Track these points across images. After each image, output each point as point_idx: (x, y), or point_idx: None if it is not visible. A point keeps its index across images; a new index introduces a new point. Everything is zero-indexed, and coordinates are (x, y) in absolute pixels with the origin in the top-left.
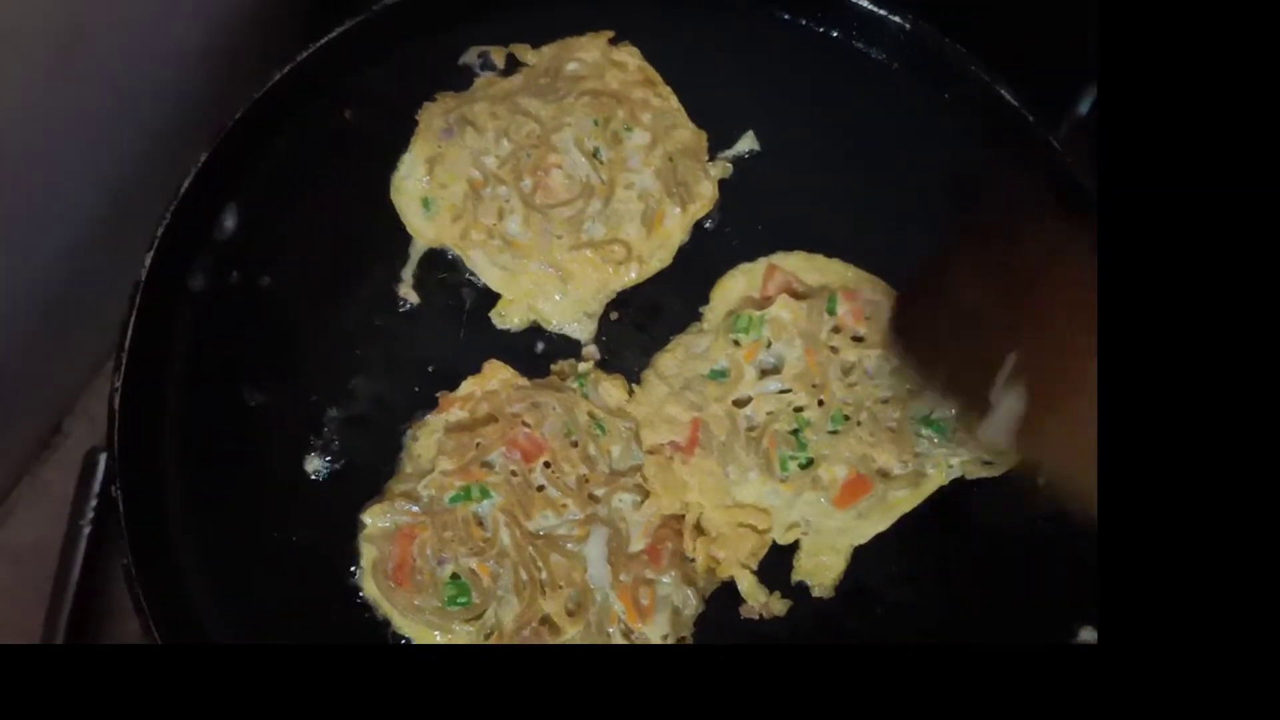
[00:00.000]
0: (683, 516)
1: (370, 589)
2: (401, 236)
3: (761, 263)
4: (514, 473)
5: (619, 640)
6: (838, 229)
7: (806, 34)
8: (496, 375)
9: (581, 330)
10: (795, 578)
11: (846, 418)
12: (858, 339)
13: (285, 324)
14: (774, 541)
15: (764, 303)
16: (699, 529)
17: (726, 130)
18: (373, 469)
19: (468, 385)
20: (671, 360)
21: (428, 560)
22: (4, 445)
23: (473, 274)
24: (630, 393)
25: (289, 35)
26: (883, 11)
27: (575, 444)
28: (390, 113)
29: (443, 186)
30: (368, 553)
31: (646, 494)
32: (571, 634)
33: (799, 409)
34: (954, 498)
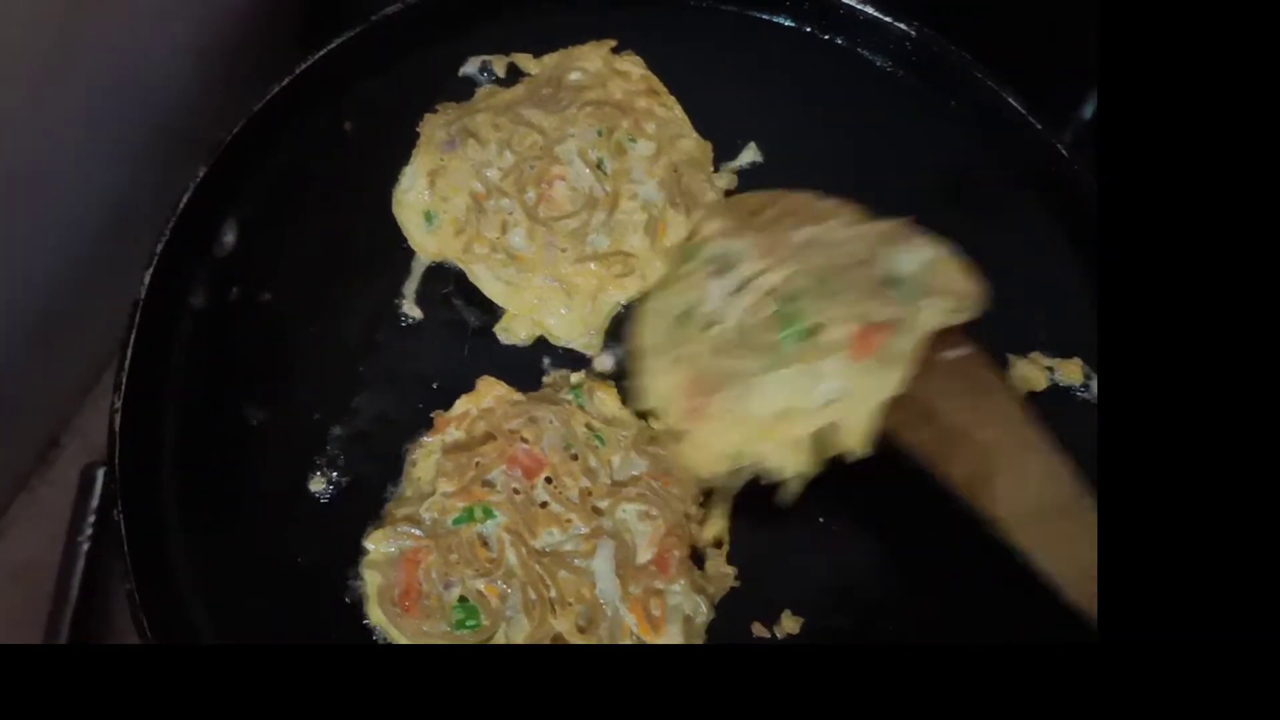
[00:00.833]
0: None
1: (376, 616)
2: (404, 251)
3: None
4: (516, 490)
5: None
6: None
7: (811, 42)
8: (491, 392)
9: (588, 344)
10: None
11: (822, 281)
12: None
13: (286, 340)
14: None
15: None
16: None
17: (730, 140)
18: (377, 488)
19: (462, 404)
20: (649, 331)
21: (434, 584)
22: (0, 460)
23: (476, 289)
24: (623, 400)
25: (287, 47)
26: (888, 19)
27: (575, 457)
28: (391, 124)
29: (445, 199)
30: (372, 580)
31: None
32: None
33: (771, 292)
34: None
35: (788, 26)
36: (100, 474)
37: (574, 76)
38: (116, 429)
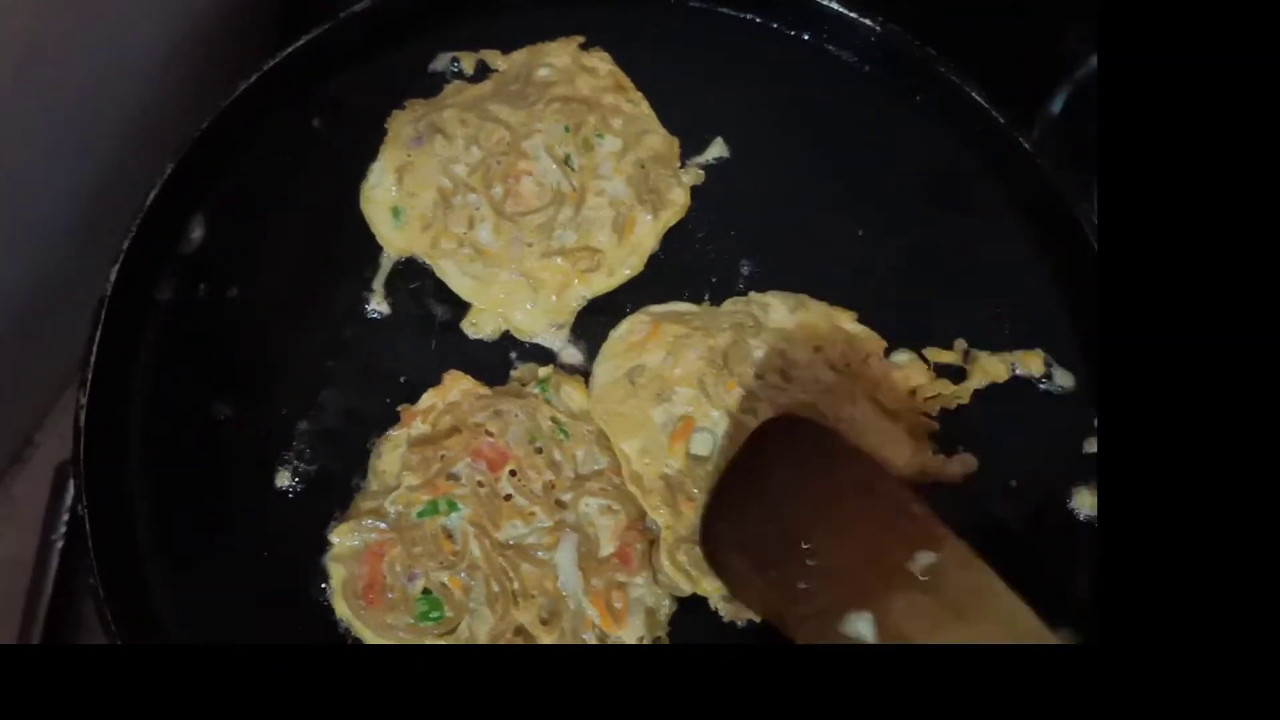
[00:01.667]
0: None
1: (341, 609)
2: (371, 246)
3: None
4: (480, 483)
5: None
6: (809, 234)
7: (777, 38)
8: (457, 385)
9: (554, 338)
10: None
11: None
12: None
13: (254, 336)
14: None
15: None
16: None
17: (697, 136)
18: (344, 482)
19: (428, 398)
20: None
21: (398, 577)
22: None
23: (443, 284)
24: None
25: (256, 44)
26: (853, 14)
27: (540, 450)
28: (359, 121)
29: (412, 195)
30: (336, 573)
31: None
32: (546, 643)
33: None
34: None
35: (755, 22)
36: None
37: (542, 73)
38: (81, 425)
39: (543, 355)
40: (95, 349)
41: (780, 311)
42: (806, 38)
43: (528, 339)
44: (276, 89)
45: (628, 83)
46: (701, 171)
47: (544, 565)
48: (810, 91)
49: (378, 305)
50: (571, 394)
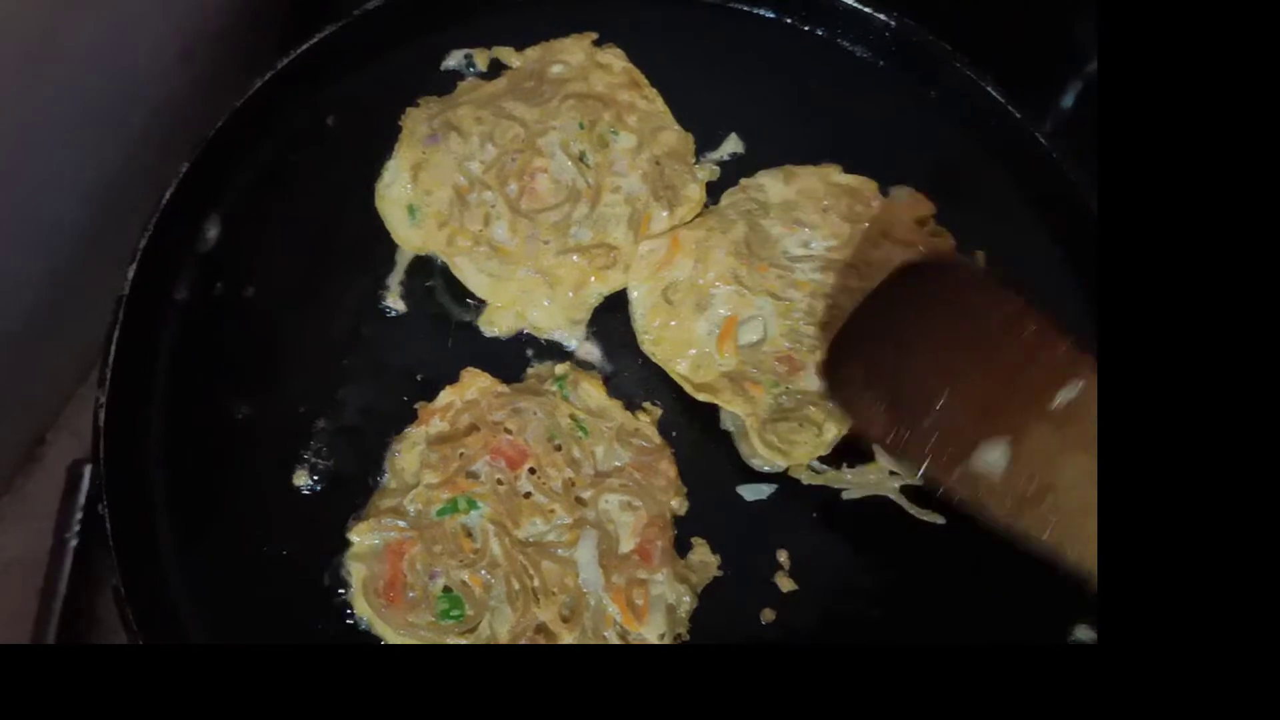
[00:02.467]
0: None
1: (362, 608)
2: (387, 244)
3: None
4: (500, 481)
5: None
6: None
7: (792, 33)
8: (475, 383)
9: (570, 335)
10: None
11: None
12: None
13: (271, 335)
14: None
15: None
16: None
17: (712, 131)
18: (362, 481)
19: (446, 395)
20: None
21: (418, 575)
22: None
23: (459, 281)
24: (609, 391)
25: (269, 43)
26: (868, 9)
27: (559, 448)
28: (373, 119)
29: (427, 193)
30: (357, 572)
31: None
32: (567, 641)
33: None
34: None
35: (768, 18)
36: (87, 471)
37: (556, 69)
38: (101, 425)
39: (559, 352)
40: (114, 348)
41: (776, 187)
42: (820, 33)
43: (544, 336)
44: (290, 87)
45: (642, 79)
46: (717, 168)
47: (564, 562)
48: (824, 86)
49: (394, 303)
50: (590, 391)
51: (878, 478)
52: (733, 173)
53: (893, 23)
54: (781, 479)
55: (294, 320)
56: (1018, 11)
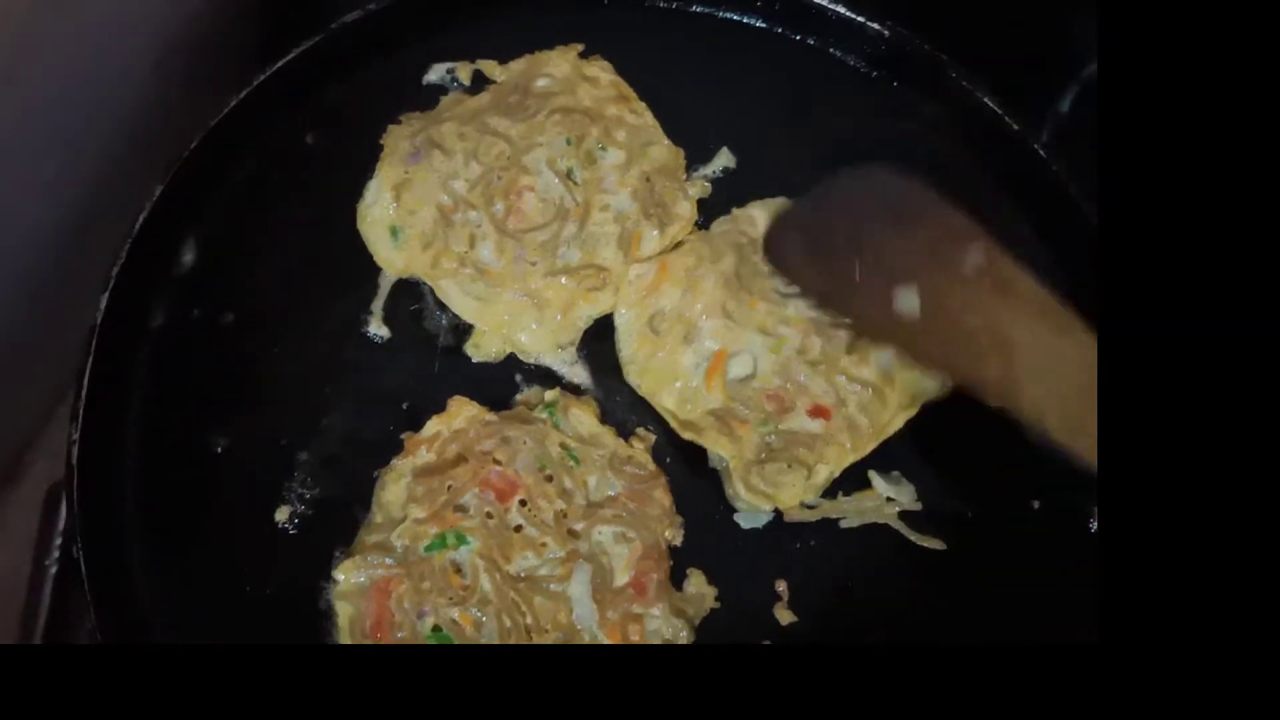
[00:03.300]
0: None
1: None
2: (370, 267)
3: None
4: (489, 514)
5: None
6: None
7: (783, 42)
8: (462, 412)
9: (559, 359)
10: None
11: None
12: None
13: (250, 362)
14: None
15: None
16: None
17: (703, 145)
18: (347, 514)
19: (433, 425)
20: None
21: (406, 614)
22: None
23: (445, 305)
24: (601, 417)
25: (245, 58)
26: (860, 19)
27: (550, 478)
28: (354, 135)
29: (411, 213)
30: (343, 610)
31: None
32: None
33: None
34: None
35: (759, 27)
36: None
37: (541, 83)
38: (74, 462)
39: (548, 376)
40: (87, 381)
41: (765, 219)
42: (812, 42)
43: (533, 360)
44: (268, 103)
45: (630, 92)
46: (708, 184)
47: (557, 598)
48: (817, 97)
49: (377, 328)
50: (580, 418)
51: (875, 504)
52: (724, 188)
53: (886, 32)
54: None
55: (274, 347)
56: (1011, 14)
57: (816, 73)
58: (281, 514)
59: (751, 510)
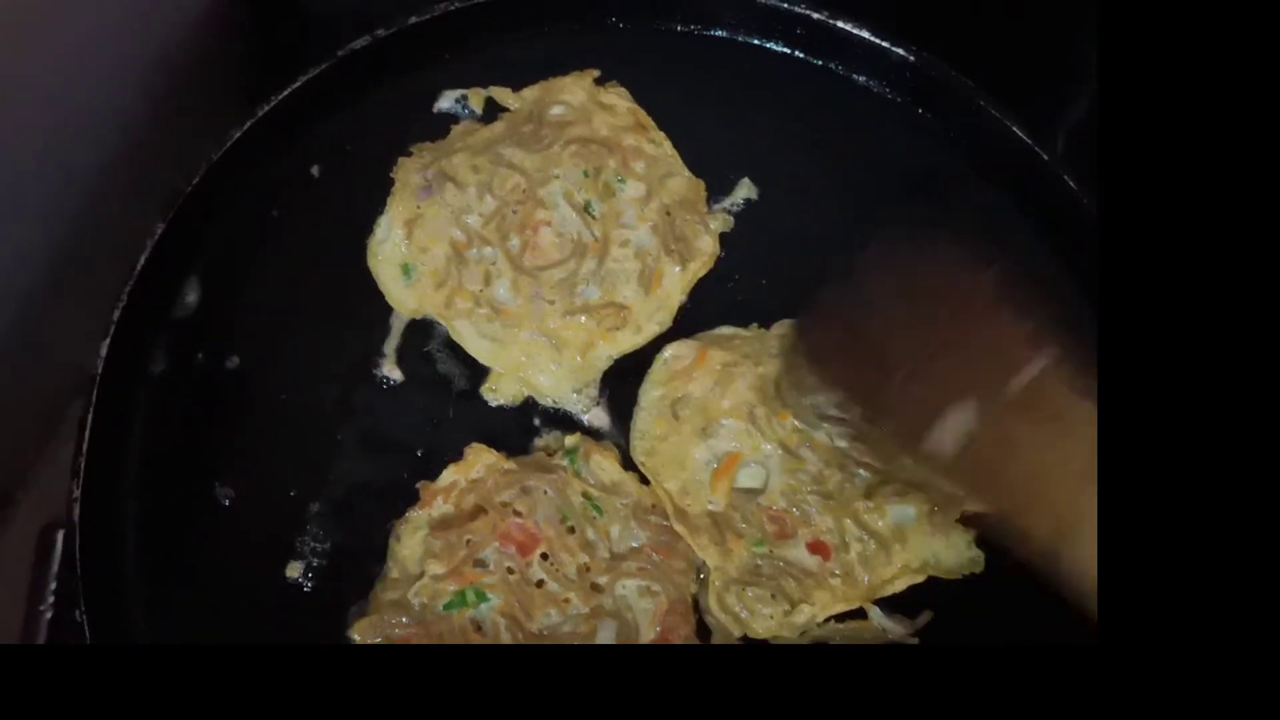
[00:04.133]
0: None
1: None
2: (381, 306)
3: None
4: (510, 570)
5: None
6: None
7: (805, 68)
8: (480, 460)
9: (578, 402)
10: None
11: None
12: None
13: (256, 409)
14: None
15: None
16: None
17: (723, 176)
18: (362, 569)
19: (450, 474)
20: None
21: None
22: None
23: (459, 346)
24: (623, 463)
25: (248, 89)
26: (885, 44)
27: (572, 530)
28: (362, 168)
29: (423, 250)
30: None
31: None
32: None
33: None
34: None
35: (779, 52)
36: (60, 537)
37: (556, 111)
38: (76, 519)
39: (567, 420)
40: (88, 432)
41: None
42: (835, 67)
43: (551, 403)
44: (271, 135)
45: (648, 120)
46: (730, 217)
47: None
48: (840, 125)
49: (389, 371)
50: (602, 464)
51: (874, 636)
52: (747, 221)
53: (911, 57)
54: None
55: (281, 393)
56: (1046, 42)
57: (839, 99)
58: (293, 570)
59: (719, 628)
